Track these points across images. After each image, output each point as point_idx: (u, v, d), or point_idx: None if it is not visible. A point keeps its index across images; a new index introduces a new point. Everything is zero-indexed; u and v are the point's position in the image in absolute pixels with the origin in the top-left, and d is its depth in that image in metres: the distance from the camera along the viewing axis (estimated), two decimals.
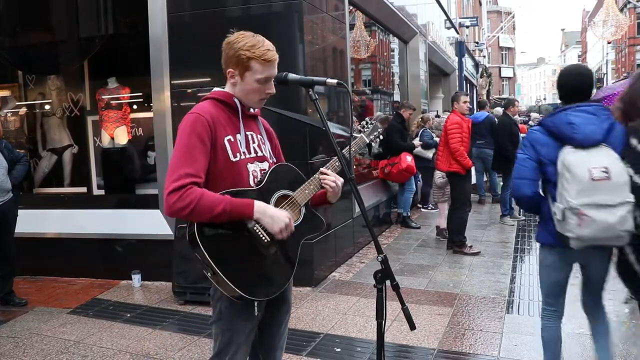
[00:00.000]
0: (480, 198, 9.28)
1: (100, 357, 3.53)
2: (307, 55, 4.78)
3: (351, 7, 6.96)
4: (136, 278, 5.05)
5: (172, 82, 4.99)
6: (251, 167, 1.95)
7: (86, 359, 3.51)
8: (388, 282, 1.84)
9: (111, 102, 6.14)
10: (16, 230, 4.69)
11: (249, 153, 1.96)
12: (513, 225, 7.38)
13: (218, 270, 1.75)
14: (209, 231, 1.79)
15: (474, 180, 8.43)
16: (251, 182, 1.93)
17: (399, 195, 7.71)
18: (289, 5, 4.74)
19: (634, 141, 2.31)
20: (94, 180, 6.39)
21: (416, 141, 7.90)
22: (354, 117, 7.56)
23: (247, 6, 4.95)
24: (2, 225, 4.52)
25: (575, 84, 2.57)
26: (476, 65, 25.08)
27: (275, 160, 2.10)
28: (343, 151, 2.06)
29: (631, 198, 2.25)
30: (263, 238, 1.86)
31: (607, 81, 42.16)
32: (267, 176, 1.94)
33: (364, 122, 2.21)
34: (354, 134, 2.16)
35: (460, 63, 17.56)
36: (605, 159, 2.29)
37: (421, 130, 8.22)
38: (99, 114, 6.22)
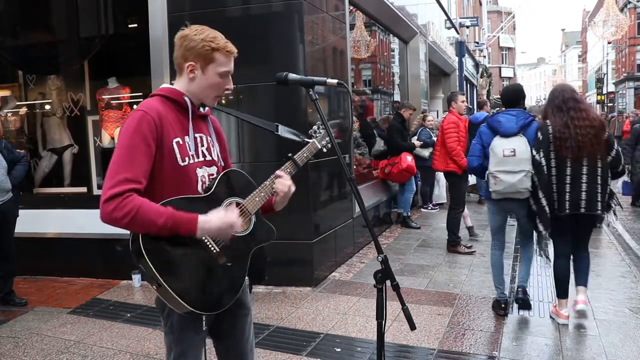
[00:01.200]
0: (480, 198, 9.28)
1: (100, 357, 3.53)
2: (307, 55, 4.78)
3: (351, 7, 6.96)
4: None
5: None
6: (200, 172, 1.84)
7: (86, 359, 3.51)
8: (388, 282, 1.83)
9: (111, 102, 6.14)
10: (16, 230, 4.69)
11: (198, 157, 1.84)
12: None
13: (164, 283, 1.63)
14: (155, 240, 1.66)
15: (473, 181, 8.43)
16: (199, 188, 1.82)
17: (399, 195, 7.71)
18: (289, 5, 4.73)
19: (539, 133, 3.66)
20: (94, 180, 6.38)
21: (416, 141, 7.91)
22: (354, 117, 7.54)
23: (247, 6, 4.94)
24: (2, 225, 4.53)
25: (509, 97, 4.01)
26: (476, 65, 25.07)
27: (223, 164, 2.00)
28: (295, 157, 2.00)
29: (528, 168, 3.62)
30: (212, 248, 1.76)
31: (607, 81, 42.14)
32: (216, 182, 1.83)
33: (315, 127, 2.12)
34: (305, 139, 2.09)
35: (460, 63, 17.55)
36: (515, 143, 3.68)
37: (420, 130, 8.24)
38: (99, 113, 6.22)
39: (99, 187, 6.33)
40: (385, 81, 10.82)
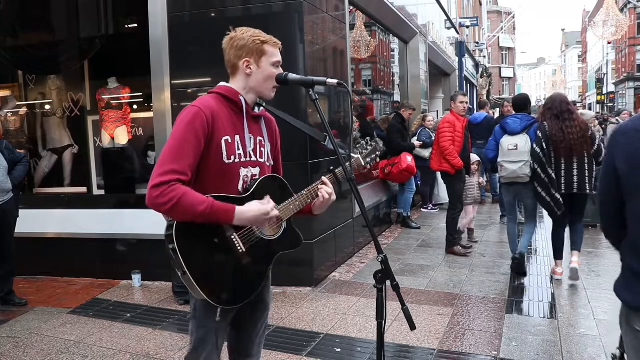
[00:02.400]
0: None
1: (100, 357, 3.53)
2: (307, 55, 4.78)
3: (351, 7, 6.96)
4: (136, 278, 5.05)
5: (172, 82, 4.99)
6: (243, 171, 1.92)
7: (86, 359, 3.51)
8: (388, 282, 1.84)
9: (111, 102, 6.14)
10: (16, 230, 4.69)
11: (245, 157, 1.92)
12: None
13: (188, 272, 1.76)
14: (187, 232, 1.78)
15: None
16: (239, 188, 1.91)
17: (399, 195, 7.71)
18: (289, 5, 4.74)
19: (538, 132, 4.65)
20: (94, 180, 6.38)
21: (415, 141, 7.91)
22: (354, 117, 7.55)
23: (247, 6, 4.94)
24: (2, 225, 4.52)
25: (518, 104, 5.20)
26: (476, 65, 25.06)
27: (271, 164, 2.08)
28: (336, 171, 2.05)
29: (527, 159, 4.70)
30: (239, 248, 1.85)
31: (607, 81, 42.15)
32: (255, 186, 1.91)
33: (363, 142, 2.16)
34: (351, 154, 2.12)
35: (460, 63, 17.54)
36: (517, 140, 4.81)
37: (419, 130, 8.24)
38: (99, 113, 6.22)
39: (99, 187, 6.34)
40: (385, 81, 10.82)
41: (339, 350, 3.50)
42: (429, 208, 8.84)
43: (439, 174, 8.24)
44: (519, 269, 4.98)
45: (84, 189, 6.41)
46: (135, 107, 6.32)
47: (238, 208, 1.80)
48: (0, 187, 4.43)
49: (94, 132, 6.42)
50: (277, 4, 4.78)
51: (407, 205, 7.61)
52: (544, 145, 4.58)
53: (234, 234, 1.85)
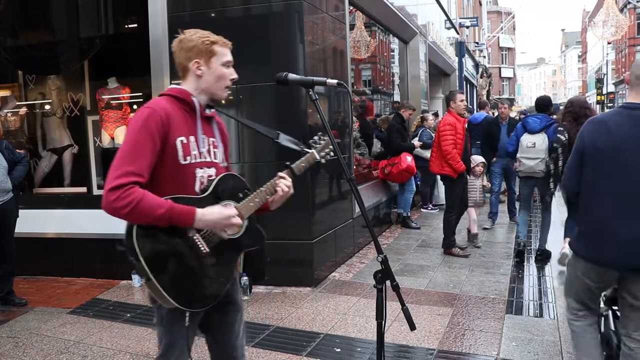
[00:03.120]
0: (482, 201, 9.22)
1: (100, 357, 3.53)
2: (307, 56, 4.78)
3: (351, 8, 6.96)
4: (136, 278, 5.04)
5: (172, 82, 4.98)
6: (199, 172, 1.90)
7: (86, 359, 3.51)
8: (388, 283, 1.84)
9: (111, 102, 6.14)
10: (16, 230, 4.69)
11: (200, 157, 1.91)
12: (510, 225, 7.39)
13: (152, 278, 1.72)
14: (148, 236, 1.74)
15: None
16: (197, 188, 1.89)
17: (399, 195, 7.71)
18: (289, 5, 4.74)
19: (564, 135, 4.82)
20: (94, 180, 6.38)
21: (416, 141, 7.91)
22: (354, 117, 7.55)
23: (247, 6, 4.94)
24: (2, 225, 4.52)
25: (539, 105, 5.64)
26: (476, 65, 25.06)
27: (225, 165, 2.07)
28: (292, 166, 2.05)
29: (543, 156, 5.11)
30: (202, 248, 1.83)
31: (607, 81, 42.16)
32: (213, 185, 1.89)
33: (316, 137, 2.14)
34: (305, 149, 2.12)
35: (460, 63, 17.54)
36: (536, 138, 5.20)
37: (420, 130, 8.23)
38: (99, 113, 6.22)
39: (99, 187, 6.33)
40: (385, 81, 10.83)
41: (338, 350, 3.50)
42: (429, 208, 8.84)
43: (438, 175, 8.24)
44: (544, 256, 5.52)
45: (84, 189, 6.41)
46: (135, 107, 6.31)
47: (198, 211, 1.77)
48: (0, 187, 4.43)
49: (93, 132, 6.42)
50: (277, 4, 4.78)
51: (407, 206, 7.61)
52: (565, 145, 4.73)
53: (196, 234, 1.82)
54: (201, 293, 1.85)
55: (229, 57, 1.95)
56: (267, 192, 1.98)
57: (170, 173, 1.83)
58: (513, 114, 14.60)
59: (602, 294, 2.71)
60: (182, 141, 1.85)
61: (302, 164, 2.08)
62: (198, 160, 1.90)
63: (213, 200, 1.87)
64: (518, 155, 5.36)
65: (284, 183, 1.99)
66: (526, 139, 5.25)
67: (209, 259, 1.85)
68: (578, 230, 2.58)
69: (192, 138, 1.89)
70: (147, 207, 1.69)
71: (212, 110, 2.02)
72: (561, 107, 7.14)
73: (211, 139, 1.99)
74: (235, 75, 1.98)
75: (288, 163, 2.05)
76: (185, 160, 1.85)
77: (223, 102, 4.85)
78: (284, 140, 2.08)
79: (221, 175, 1.95)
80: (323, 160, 2.15)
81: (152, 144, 1.76)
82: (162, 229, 1.75)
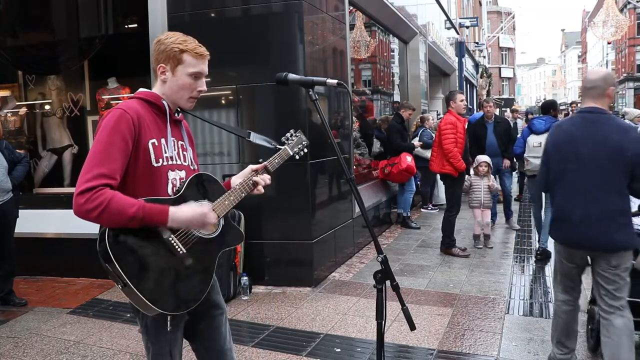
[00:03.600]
0: (489, 203, 9.20)
1: (100, 357, 3.53)
2: (307, 56, 4.78)
3: (351, 8, 6.96)
4: None
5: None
6: (171, 174, 1.88)
7: (86, 359, 3.51)
8: (388, 283, 1.84)
9: (111, 102, 6.14)
10: (16, 230, 4.69)
11: (171, 160, 1.89)
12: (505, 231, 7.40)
13: (130, 283, 1.66)
14: (121, 239, 1.69)
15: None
16: (169, 191, 1.86)
17: (399, 195, 7.71)
18: (289, 5, 4.74)
19: None
20: None
21: (416, 141, 7.91)
22: (353, 117, 7.55)
23: (247, 6, 4.94)
24: (2, 225, 4.52)
25: (544, 108, 6.10)
26: (476, 65, 25.07)
27: (196, 168, 2.05)
28: (266, 163, 2.05)
29: None
30: (178, 250, 1.79)
31: None
32: (185, 185, 1.87)
33: (288, 134, 2.15)
34: (277, 146, 2.12)
35: (460, 63, 17.55)
36: (542, 138, 5.18)
37: (421, 130, 8.23)
38: (99, 114, 6.22)
39: None
40: (385, 81, 10.82)
41: (338, 350, 3.50)
42: (429, 208, 8.84)
43: (438, 175, 8.23)
44: (544, 256, 5.53)
45: None
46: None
47: (172, 208, 1.74)
48: (0, 186, 4.43)
49: (93, 132, 6.42)
50: (277, 4, 4.78)
51: (407, 206, 7.61)
52: None
53: (171, 235, 1.78)
54: (181, 296, 1.81)
55: (198, 68, 1.89)
56: (242, 190, 1.96)
57: (143, 176, 1.80)
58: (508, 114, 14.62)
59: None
60: (153, 143, 1.83)
61: (275, 160, 2.07)
62: (169, 162, 1.88)
63: (186, 200, 1.85)
64: (525, 154, 5.64)
65: (266, 176, 2.00)
66: (532, 140, 5.53)
67: (187, 260, 1.82)
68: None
69: (163, 140, 1.87)
70: (118, 207, 1.65)
71: (180, 114, 2.01)
72: (562, 107, 7.18)
73: (180, 142, 1.97)
74: (203, 88, 1.93)
75: (261, 160, 2.05)
76: (157, 162, 1.83)
77: (223, 101, 4.87)
78: (256, 138, 2.09)
79: (193, 175, 1.93)
80: (297, 156, 2.16)
81: (123, 146, 1.73)
82: (136, 232, 1.71)
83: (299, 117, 4.76)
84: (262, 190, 2.01)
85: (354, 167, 6.91)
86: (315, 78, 1.97)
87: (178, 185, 1.89)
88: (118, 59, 6.19)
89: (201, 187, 1.92)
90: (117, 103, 6.23)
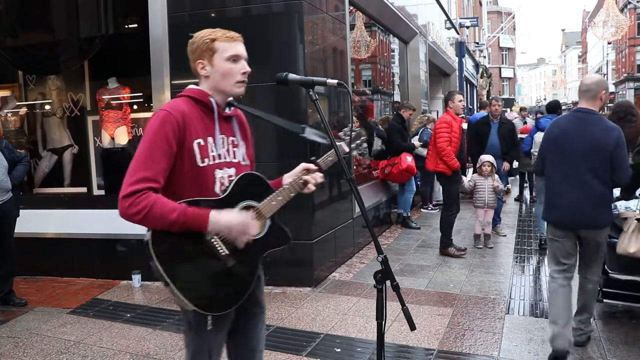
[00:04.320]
0: (494, 203, 9.17)
1: (100, 357, 3.53)
2: (307, 56, 4.78)
3: (351, 8, 6.96)
4: (136, 278, 5.05)
5: (172, 82, 4.98)
6: (219, 173, 1.87)
7: (86, 359, 3.51)
8: (388, 283, 1.83)
9: (111, 102, 6.14)
10: (16, 230, 4.69)
11: (219, 158, 1.88)
12: (504, 236, 7.39)
13: (170, 282, 1.70)
14: (164, 241, 1.72)
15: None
16: (217, 190, 1.86)
17: (399, 195, 7.71)
18: (289, 5, 4.73)
19: None
20: (94, 180, 6.39)
21: (416, 141, 7.90)
22: (354, 117, 7.55)
23: (247, 6, 4.94)
24: (2, 225, 4.52)
25: (550, 107, 6.44)
26: (476, 65, 25.06)
27: (247, 164, 2.03)
28: (318, 161, 2.00)
29: None
30: (221, 250, 1.79)
31: (607, 81, 42.12)
32: (232, 185, 1.86)
33: (346, 128, 2.13)
34: (335, 142, 2.08)
35: (460, 63, 17.54)
36: None
37: (421, 130, 8.22)
38: (99, 114, 6.22)
39: (99, 187, 6.34)
40: (385, 81, 10.82)
41: (338, 350, 3.50)
42: (429, 208, 8.84)
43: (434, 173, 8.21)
44: (543, 245, 5.88)
45: (84, 189, 6.42)
46: (135, 107, 6.32)
47: (212, 214, 1.73)
48: (0, 186, 4.43)
49: (94, 132, 6.43)
50: (277, 4, 4.78)
51: (407, 206, 7.61)
52: None
53: (214, 236, 1.78)
54: (222, 296, 1.82)
55: (234, 50, 1.87)
56: (291, 189, 1.93)
57: (189, 176, 1.80)
58: (513, 114, 14.62)
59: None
60: (199, 143, 1.82)
61: (330, 157, 2.01)
62: (217, 161, 1.87)
63: (233, 200, 1.84)
64: (532, 150, 6.21)
65: (318, 175, 1.95)
66: (539, 137, 5.81)
67: (229, 261, 1.81)
68: (544, 202, 3.42)
69: (210, 139, 1.86)
70: (160, 212, 1.68)
71: (232, 108, 1.99)
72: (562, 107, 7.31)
73: (231, 138, 1.95)
74: (246, 69, 1.91)
75: (314, 158, 2.00)
76: (203, 162, 1.82)
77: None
78: (310, 134, 2.03)
79: (240, 175, 1.90)
80: (355, 152, 2.12)
81: (167, 148, 1.74)
82: (179, 233, 1.72)
83: (299, 117, 4.75)
84: (313, 189, 1.97)
85: (354, 167, 6.91)
86: (315, 78, 1.96)
87: (226, 183, 1.88)
88: (118, 59, 6.18)
89: (249, 186, 1.90)
90: (117, 103, 6.28)
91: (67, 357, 3.55)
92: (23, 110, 6.80)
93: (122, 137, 6.13)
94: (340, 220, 5.58)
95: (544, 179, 5.81)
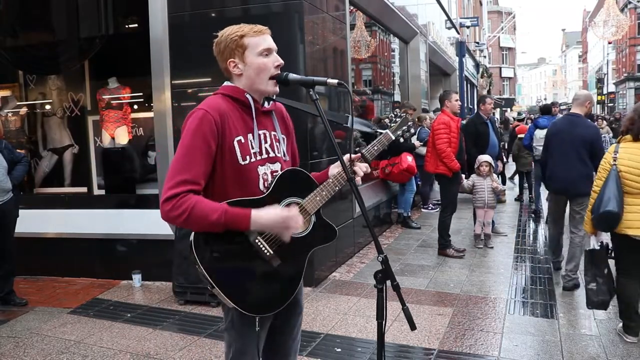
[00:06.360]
0: (493, 203, 9.16)
1: (100, 357, 3.53)
2: (307, 55, 4.78)
3: (352, 7, 6.96)
4: (136, 278, 5.05)
5: (172, 82, 4.99)
6: (262, 169, 1.83)
7: (86, 359, 3.51)
8: (388, 282, 1.83)
9: (112, 102, 6.14)
10: (16, 230, 4.69)
11: (260, 154, 1.84)
12: (505, 235, 7.39)
13: (215, 285, 1.69)
14: (207, 243, 1.70)
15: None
16: (261, 187, 1.82)
17: (400, 195, 7.71)
18: (289, 5, 4.73)
19: None
20: (95, 180, 6.39)
21: (415, 141, 7.89)
22: (354, 117, 7.54)
23: (247, 6, 4.94)
24: (2, 225, 4.52)
25: (544, 109, 8.01)
26: (477, 65, 25.06)
27: (289, 159, 1.99)
28: (363, 151, 1.98)
29: None
30: (265, 251, 1.76)
31: (607, 81, 42.13)
32: (274, 182, 1.82)
33: (391, 115, 2.05)
34: (378, 130, 2.06)
35: (460, 63, 17.54)
36: (545, 133, 5.62)
37: (419, 129, 8.22)
38: (99, 113, 6.22)
39: (100, 187, 6.34)
40: (385, 81, 10.82)
41: (339, 350, 3.50)
42: (429, 208, 8.83)
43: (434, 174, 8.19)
44: (537, 214, 7.78)
45: (84, 189, 6.42)
46: (135, 107, 6.32)
47: (254, 213, 1.69)
48: (0, 186, 4.43)
49: (94, 132, 6.43)
50: (277, 4, 4.78)
51: (407, 206, 7.60)
52: None
53: (258, 237, 1.75)
54: (268, 298, 1.79)
55: (265, 44, 1.82)
56: (335, 184, 1.89)
57: (231, 175, 1.77)
58: (514, 115, 14.63)
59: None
60: (239, 141, 1.78)
61: (375, 147, 1.97)
62: (259, 158, 1.83)
63: (276, 198, 1.80)
64: (533, 144, 7.21)
65: (364, 165, 1.93)
66: (538, 133, 7.06)
67: (275, 262, 1.78)
68: (546, 178, 4.85)
69: (250, 136, 1.82)
70: (201, 213, 1.66)
71: (271, 103, 1.94)
72: (562, 107, 7.52)
73: (272, 133, 1.91)
74: (279, 61, 1.86)
75: (358, 149, 1.96)
76: (244, 160, 1.79)
77: None
78: (355, 123, 2.01)
79: (283, 171, 1.87)
80: (401, 139, 2.07)
81: (206, 149, 1.71)
82: (222, 235, 1.70)
83: (299, 117, 4.75)
84: (360, 181, 1.93)
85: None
86: (315, 78, 1.95)
87: (269, 180, 1.84)
88: (118, 59, 6.19)
89: (292, 182, 1.86)
90: (118, 103, 6.28)
91: (68, 356, 3.55)
92: (23, 110, 6.80)
93: (122, 137, 6.13)
94: (341, 220, 5.58)
95: (539, 167, 6.58)
